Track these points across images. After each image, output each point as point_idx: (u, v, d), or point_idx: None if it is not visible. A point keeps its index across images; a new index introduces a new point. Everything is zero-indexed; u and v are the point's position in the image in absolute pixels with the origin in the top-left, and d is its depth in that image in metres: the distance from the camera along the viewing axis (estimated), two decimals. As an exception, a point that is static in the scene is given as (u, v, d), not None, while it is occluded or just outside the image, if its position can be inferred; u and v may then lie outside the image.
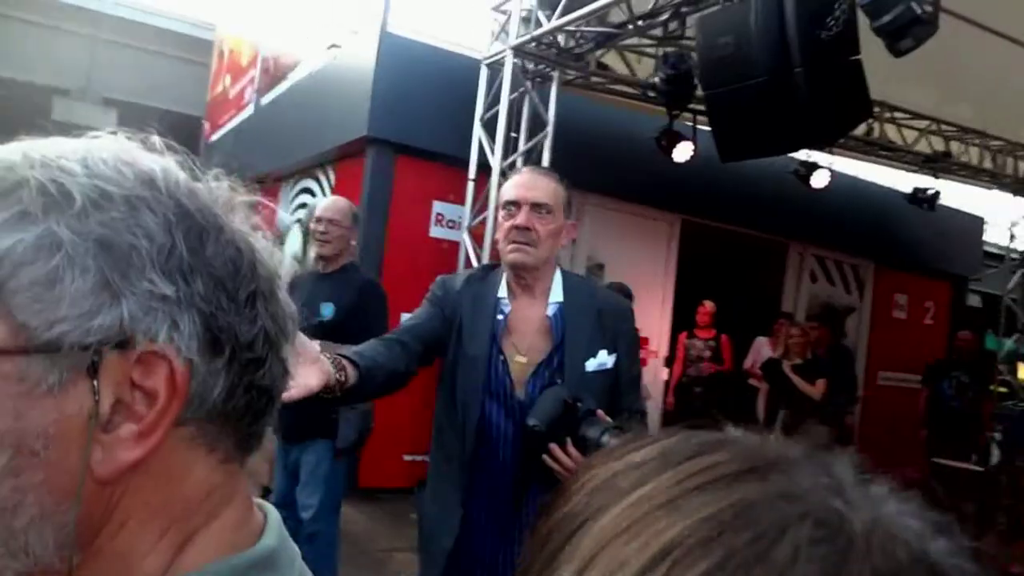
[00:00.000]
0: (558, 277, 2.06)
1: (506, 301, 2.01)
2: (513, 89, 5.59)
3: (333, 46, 7.09)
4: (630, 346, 2.07)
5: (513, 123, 5.67)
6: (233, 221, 0.55)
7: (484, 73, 5.80)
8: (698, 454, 0.36)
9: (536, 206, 1.95)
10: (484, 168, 5.65)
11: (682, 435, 0.38)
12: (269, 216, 8.93)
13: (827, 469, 0.35)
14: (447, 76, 6.10)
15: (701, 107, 4.71)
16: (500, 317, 1.99)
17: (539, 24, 5.25)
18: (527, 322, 2.00)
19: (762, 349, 7.40)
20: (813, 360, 6.20)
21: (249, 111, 10.17)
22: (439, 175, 6.23)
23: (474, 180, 5.77)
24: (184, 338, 0.49)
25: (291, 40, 8.76)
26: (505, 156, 5.57)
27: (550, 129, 5.71)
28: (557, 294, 2.02)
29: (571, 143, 6.18)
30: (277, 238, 7.96)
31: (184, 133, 14.05)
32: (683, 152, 6.00)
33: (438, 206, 6.30)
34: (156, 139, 0.56)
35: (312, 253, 3.88)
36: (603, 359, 1.97)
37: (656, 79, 4.54)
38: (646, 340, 7.06)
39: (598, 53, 6.02)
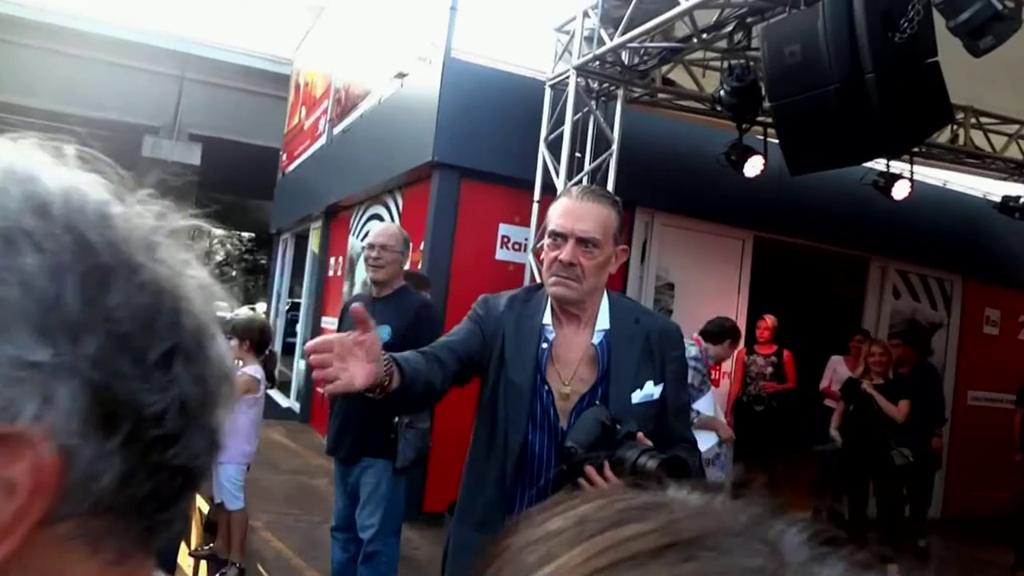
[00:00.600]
0: (605, 303, 1.98)
1: (551, 328, 1.94)
2: (577, 109, 5.56)
3: (400, 74, 7.20)
4: (678, 373, 1.99)
5: (578, 143, 5.64)
6: (158, 257, 0.44)
7: (548, 94, 5.79)
8: (618, 524, 0.30)
9: (582, 241, 1.86)
10: (549, 189, 5.62)
11: (609, 499, 0.32)
12: (341, 243, 9.12)
13: (773, 545, 0.28)
14: (512, 98, 6.11)
15: (770, 120, 4.59)
16: (545, 345, 1.92)
17: (602, 43, 5.21)
18: (573, 351, 1.94)
19: (838, 368, 7.09)
20: (896, 379, 5.89)
21: (322, 141, 10.42)
22: (505, 197, 6.23)
23: (539, 201, 5.74)
24: (60, 416, 0.39)
25: (362, 70, 8.95)
26: (570, 176, 5.53)
27: (615, 148, 5.64)
28: (604, 322, 1.95)
29: (638, 161, 6.11)
30: (349, 265, 8.06)
31: (264, 165, 14.55)
32: (754, 166, 5.83)
33: (504, 228, 6.30)
34: (75, 149, 0.47)
35: (366, 277, 3.92)
36: (649, 390, 1.90)
37: (721, 92, 4.42)
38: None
39: (664, 69, 5.96)
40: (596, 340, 1.93)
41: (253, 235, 28.45)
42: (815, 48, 3.45)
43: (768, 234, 7.38)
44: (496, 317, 1.97)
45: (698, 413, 4.84)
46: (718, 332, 5.08)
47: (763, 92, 4.25)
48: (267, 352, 4.66)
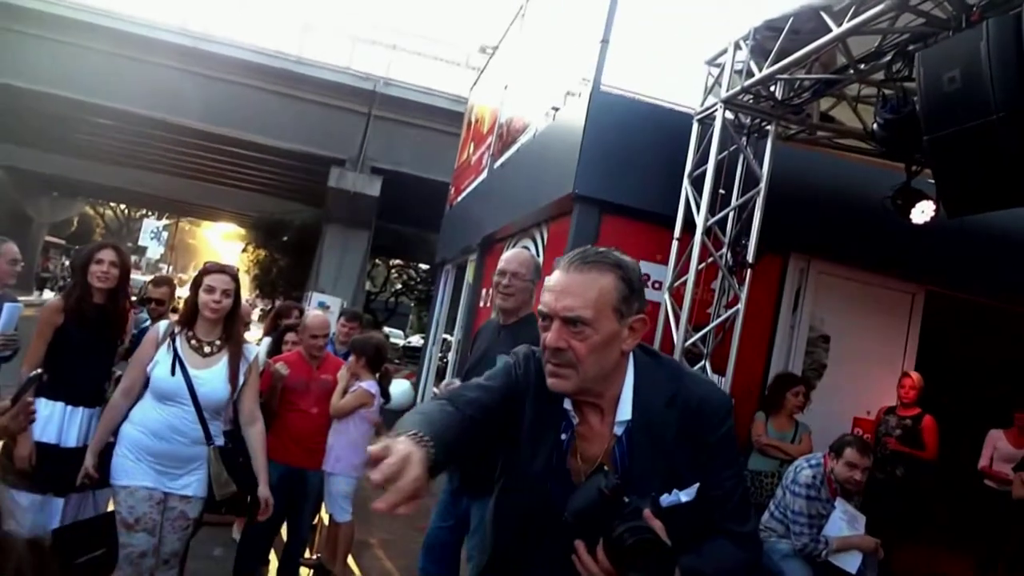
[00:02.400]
0: (629, 385, 1.64)
1: (573, 414, 1.66)
2: (725, 144, 5.30)
3: (553, 108, 7.22)
4: (719, 454, 1.63)
5: (722, 180, 5.37)
6: None
7: (695, 128, 5.57)
8: None
9: (568, 320, 1.55)
10: (690, 227, 5.38)
11: None
12: (493, 274, 9.22)
13: None
14: (659, 133, 5.94)
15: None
16: (564, 436, 1.65)
17: (751, 75, 4.95)
18: (595, 444, 1.65)
19: (998, 444, 6.23)
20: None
21: (484, 175, 10.66)
22: (646, 234, 6.02)
23: (678, 239, 5.50)
24: None
25: (522, 105, 9.09)
26: (712, 213, 5.26)
27: (763, 186, 5.32)
28: (625, 411, 1.62)
29: (790, 201, 5.74)
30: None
31: (440, 199, 15.10)
32: (923, 212, 5.28)
33: (644, 266, 6.04)
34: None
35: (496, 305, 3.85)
36: (677, 496, 1.58)
37: (874, 126, 4.04)
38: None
39: (824, 106, 5.58)
40: (619, 431, 1.63)
41: (428, 267, 29.64)
42: (977, 73, 3.06)
43: (943, 289, 6.66)
44: (524, 385, 1.68)
45: (827, 542, 4.37)
46: (837, 447, 4.45)
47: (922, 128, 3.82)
48: (383, 369, 4.73)
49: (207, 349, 3.39)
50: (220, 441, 3.41)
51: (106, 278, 3.74)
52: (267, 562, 4.84)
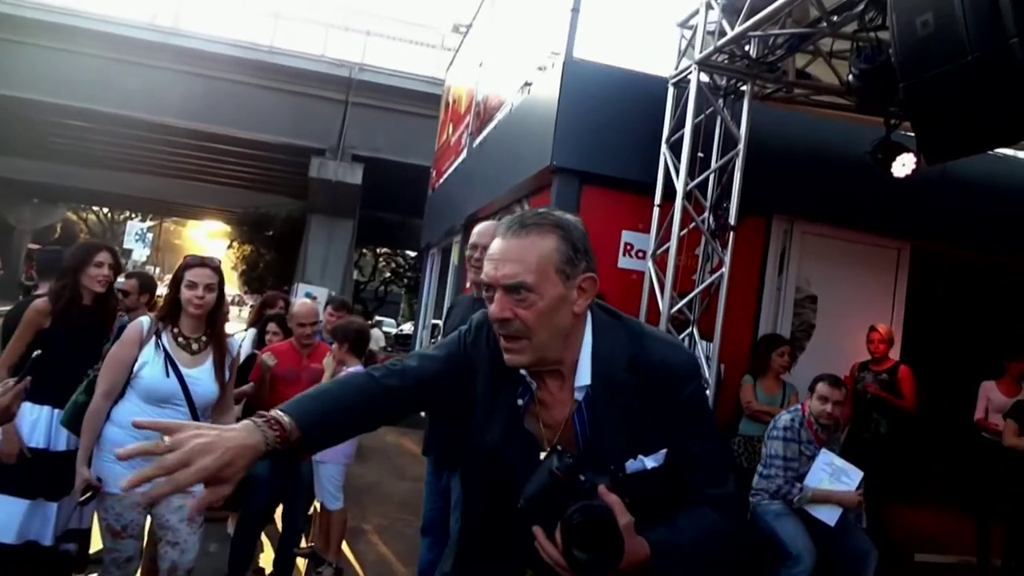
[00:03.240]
0: (587, 348, 1.55)
1: (530, 379, 1.58)
2: (701, 107, 5.23)
3: (527, 82, 7.12)
4: (687, 417, 1.55)
5: (700, 143, 5.30)
6: None
7: (671, 92, 5.49)
8: None
9: (510, 288, 1.47)
10: (671, 193, 5.32)
11: None
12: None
13: None
14: (633, 99, 5.86)
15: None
16: (521, 402, 1.58)
17: (724, 35, 4.88)
18: (556, 409, 1.58)
19: (991, 395, 6.22)
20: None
21: (463, 155, 10.56)
22: (627, 203, 5.96)
23: (659, 206, 5.44)
24: None
25: (497, 82, 8.98)
26: (691, 177, 5.20)
27: (742, 147, 5.26)
28: (584, 375, 1.54)
29: (770, 162, 5.69)
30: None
31: (423, 184, 14.99)
32: (904, 165, 5.24)
33: (627, 236, 6.02)
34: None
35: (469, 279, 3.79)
36: (642, 463, 1.51)
37: (849, 77, 3.97)
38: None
39: (799, 63, 5.51)
40: (579, 396, 1.55)
41: (416, 253, 29.49)
42: (950, 15, 2.99)
43: (929, 244, 6.63)
44: (475, 353, 1.65)
45: (800, 489, 4.36)
46: (811, 385, 4.60)
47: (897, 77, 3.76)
48: (367, 353, 4.67)
49: (194, 346, 3.27)
50: None
51: (105, 281, 3.68)
52: (261, 552, 4.80)
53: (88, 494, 3.11)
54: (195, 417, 3.20)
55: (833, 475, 4.42)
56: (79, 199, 39.85)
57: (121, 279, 4.93)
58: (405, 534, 5.51)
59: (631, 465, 1.50)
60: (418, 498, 6.59)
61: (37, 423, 3.54)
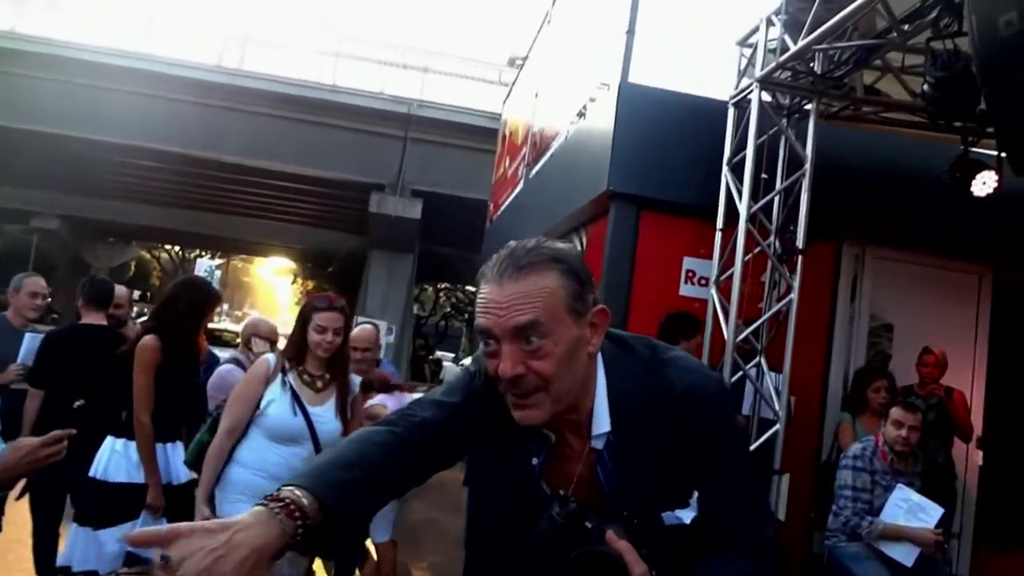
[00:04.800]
0: (602, 390, 1.37)
1: (548, 432, 1.40)
2: (764, 128, 5.02)
3: (584, 107, 7.02)
4: (722, 454, 1.37)
5: (763, 164, 5.08)
6: None
7: (731, 113, 5.30)
8: None
9: (519, 331, 1.27)
10: (733, 217, 5.10)
11: None
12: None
13: None
14: (692, 122, 5.68)
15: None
16: (536, 461, 1.40)
17: (786, 51, 4.68)
18: (574, 460, 1.40)
19: None
20: None
21: (520, 186, 10.49)
22: (688, 229, 5.74)
23: (722, 230, 5.22)
24: None
25: (553, 111, 8.91)
26: (755, 200, 4.98)
27: (808, 167, 5.02)
28: (603, 421, 1.36)
29: (839, 184, 5.42)
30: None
31: (481, 217, 14.97)
32: (984, 184, 4.92)
33: (688, 262, 5.79)
34: None
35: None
36: (678, 518, 1.35)
37: (924, 87, 3.72)
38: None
39: (868, 80, 5.26)
40: (598, 445, 1.37)
41: (475, 289, 29.54)
42: (1038, 12, 2.76)
43: (1014, 270, 6.22)
44: (485, 398, 1.42)
45: (871, 522, 4.06)
46: (884, 412, 4.44)
47: (978, 83, 3.51)
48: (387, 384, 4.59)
49: (319, 384, 3.30)
50: None
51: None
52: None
53: None
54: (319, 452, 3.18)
55: (909, 511, 4.12)
56: (151, 237, 41.25)
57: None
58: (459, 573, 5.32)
59: (668, 519, 1.33)
60: (474, 535, 6.46)
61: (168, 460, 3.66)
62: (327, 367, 3.30)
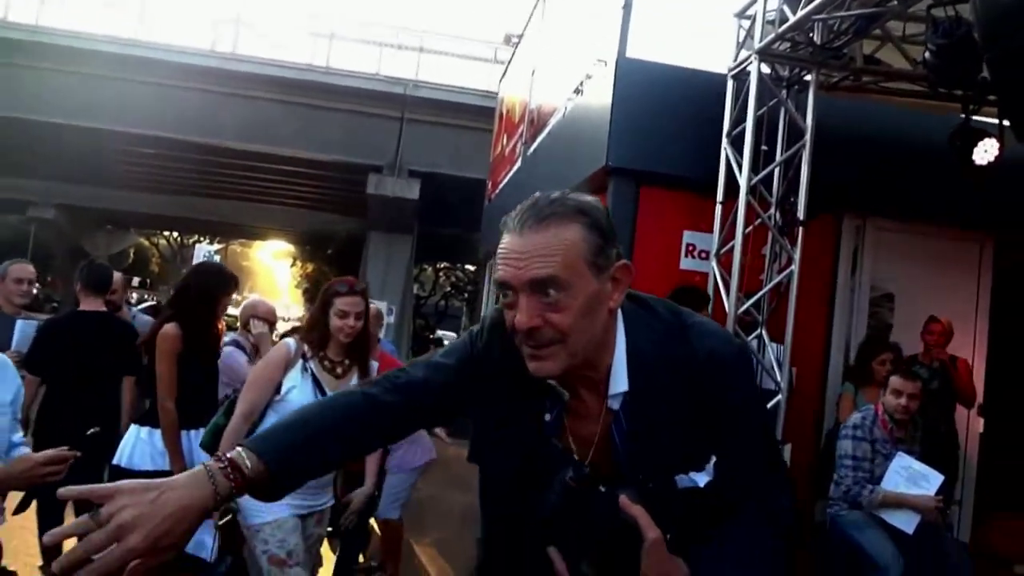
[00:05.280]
0: (621, 348, 1.34)
1: (560, 389, 1.37)
2: (763, 100, 5.00)
3: (581, 82, 6.97)
4: (741, 421, 1.35)
5: (763, 136, 5.06)
6: None
7: (730, 85, 5.27)
8: None
9: (537, 285, 1.25)
10: (733, 189, 5.09)
11: None
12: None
13: None
14: (690, 95, 5.65)
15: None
16: (548, 417, 1.38)
17: (786, 21, 4.65)
18: (590, 420, 1.37)
19: None
20: None
21: (518, 164, 10.45)
22: (688, 202, 5.73)
23: (722, 203, 5.21)
24: None
25: (550, 88, 8.86)
26: (755, 172, 4.96)
27: (808, 138, 5.00)
28: (620, 381, 1.33)
29: (839, 155, 5.40)
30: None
31: (480, 197, 14.93)
32: (985, 152, 4.90)
33: (688, 236, 5.78)
34: None
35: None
36: (693, 481, 1.32)
37: (925, 55, 3.70)
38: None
39: (867, 50, 5.22)
40: (615, 405, 1.34)
41: (475, 267, 29.59)
42: (1040, -25, 2.74)
43: (1015, 237, 6.21)
44: (488, 359, 1.44)
45: (872, 491, 4.08)
46: (884, 382, 4.42)
47: (979, 49, 3.48)
48: None
49: (339, 370, 3.28)
50: None
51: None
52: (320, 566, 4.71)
53: (228, 516, 3.06)
54: None
55: (910, 479, 4.13)
56: (149, 224, 41.17)
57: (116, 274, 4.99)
58: (466, 549, 5.36)
59: (682, 481, 1.31)
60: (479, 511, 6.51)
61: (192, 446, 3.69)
62: (347, 352, 3.28)
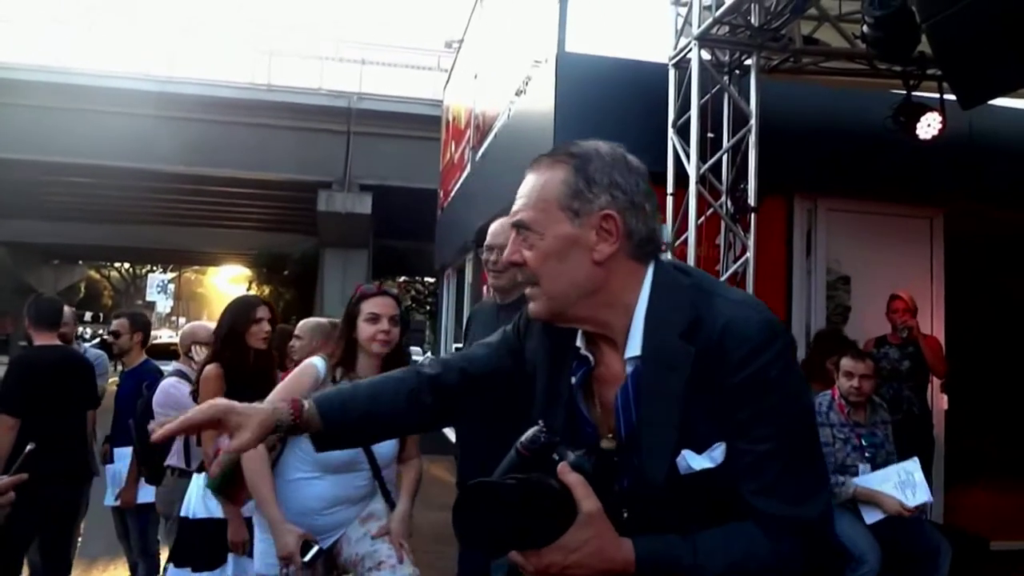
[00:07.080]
0: (640, 310, 1.25)
1: (585, 351, 1.33)
2: (706, 87, 4.93)
3: (523, 82, 6.88)
4: (753, 409, 1.16)
5: (709, 124, 4.99)
6: None
7: (672, 74, 5.19)
8: None
9: (516, 223, 1.30)
10: (683, 179, 5.01)
11: None
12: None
13: None
14: (633, 87, 5.57)
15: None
16: (573, 380, 1.34)
17: (722, 5, 4.58)
18: (613, 387, 1.29)
19: None
20: None
21: (467, 170, 10.33)
22: (638, 196, 5.65)
23: (672, 194, 5.13)
24: None
25: (494, 90, 8.76)
26: (703, 160, 4.89)
27: (754, 123, 4.93)
28: (634, 344, 1.24)
29: (785, 138, 5.36)
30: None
31: (433, 207, 14.77)
32: (929, 126, 4.90)
33: (642, 231, 5.70)
34: None
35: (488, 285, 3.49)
36: (697, 461, 1.18)
37: (864, 28, 3.65)
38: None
39: (805, 30, 5.20)
40: (629, 369, 1.25)
41: (434, 279, 29.38)
42: (973, -63, 2.69)
43: (963, 208, 6.24)
44: (527, 333, 1.50)
45: (842, 483, 3.99)
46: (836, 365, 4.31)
47: (917, 19, 3.44)
48: None
49: None
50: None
51: (267, 337, 3.50)
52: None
53: (313, 551, 2.58)
54: (379, 478, 2.82)
55: (903, 484, 4.01)
56: (98, 256, 40.22)
57: (115, 321, 4.77)
58: (437, 567, 5.19)
59: (681, 464, 1.18)
60: (450, 529, 6.33)
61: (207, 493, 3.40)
62: (382, 368, 2.64)
